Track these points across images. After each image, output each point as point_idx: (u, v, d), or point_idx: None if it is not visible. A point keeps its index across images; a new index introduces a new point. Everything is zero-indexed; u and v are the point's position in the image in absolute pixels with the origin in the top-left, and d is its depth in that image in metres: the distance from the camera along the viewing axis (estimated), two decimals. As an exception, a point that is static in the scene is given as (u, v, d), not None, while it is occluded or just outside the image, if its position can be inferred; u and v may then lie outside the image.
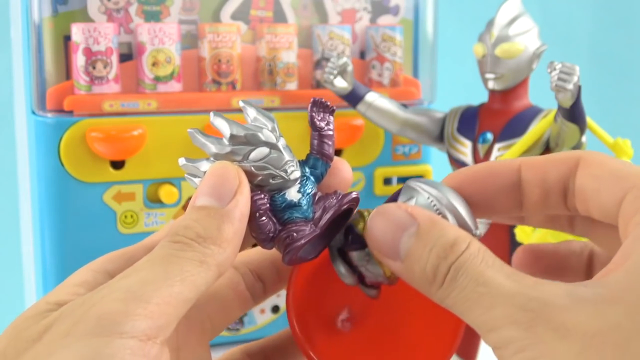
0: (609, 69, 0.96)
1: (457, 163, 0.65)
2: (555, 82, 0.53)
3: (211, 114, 0.29)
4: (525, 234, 0.60)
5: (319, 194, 0.30)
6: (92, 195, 0.59)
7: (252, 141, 0.29)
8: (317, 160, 0.30)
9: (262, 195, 0.29)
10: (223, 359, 0.33)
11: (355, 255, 0.30)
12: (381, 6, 0.69)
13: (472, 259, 0.26)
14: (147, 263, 0.26)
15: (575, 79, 0.53)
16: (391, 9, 0.70)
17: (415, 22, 0.71)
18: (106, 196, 0.59)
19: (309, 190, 0.30)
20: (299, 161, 0.30)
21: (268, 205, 0.29)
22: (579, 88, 0.54)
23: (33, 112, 0.60)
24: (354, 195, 0.30)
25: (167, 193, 0.61)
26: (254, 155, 0.29)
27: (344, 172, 0.31)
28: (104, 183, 0.59)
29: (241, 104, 0.30)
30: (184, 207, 0.62)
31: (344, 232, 0.30)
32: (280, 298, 0.66)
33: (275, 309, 0.67)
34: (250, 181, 0.29)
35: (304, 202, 0.29)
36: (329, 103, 0.30)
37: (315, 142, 0.30)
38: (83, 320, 0.24)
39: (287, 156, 0.29)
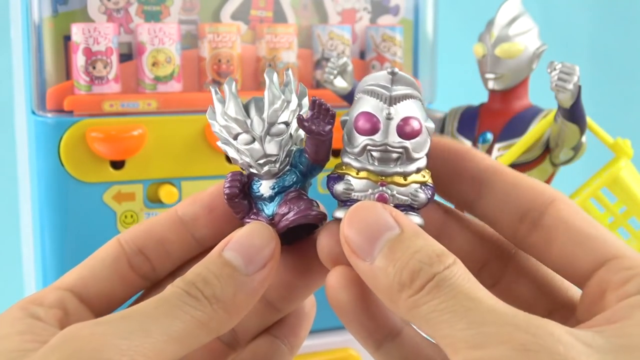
0: (609, 69, 0.96)
1: (457, 163, 0.65)
2: (555, 82, 0.53)
3: (229, 78, 0.29)
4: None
5: (302, 194, 0.29)
6: (92, 195, 0.59)
7: (239, 125, 0.29)
8: (306, 159, 0.29)
9: (239, 177, 0.29)
10: None
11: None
12: (381, 6, 0.69)
13: (461, 275, 0.24)
14: (155, 311, 0.25)
15: (575, 79, 0.53)
16: (391, 9, 0.70)
17: (415, 22, 0.71)
18: (106, 196, 0.59)
19: (283, 185, 0.29)
20: (298, 149, 0.29)
21: (237, 191, 0.29)
22: (579, 88, 0.54)
23: (33, 112, 0.60)
24: (320, 211, 0.28)
25: (167, 193, 0.61)
26: (239, 139, 0.29)
27: None
28: (104, 183, 0.59)
29: (288, 71, 0.29)
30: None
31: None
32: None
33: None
34: (235, 160, 0.29)
35: (272, 199, 0.29)
36: (329, 106, 0.28)
37: (308, 142, 0.29)
38: (76, 354, 0.23)
39: (269, 150, 0.28)
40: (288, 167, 0.29)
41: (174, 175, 0.61)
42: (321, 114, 0.28)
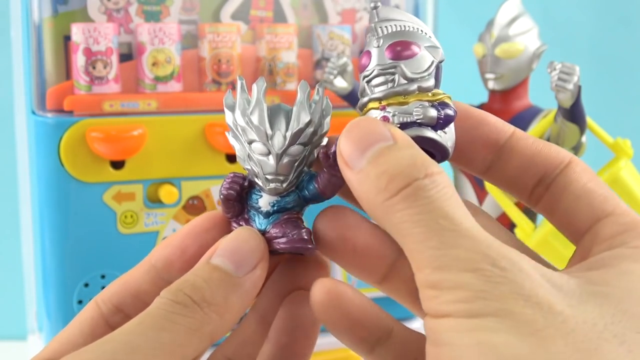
0: (609, 69, 0.96)
1: (457, 163, 0.65)
2: (555, 82, 0.53)
3: (260, 78, 0.28)
4: (525, 234, 0.60)
5: (300, 220, 0.28)
6: (92, 195, 0.59)
7: (258, 135, 0.28)
8: (315, 188, 0.28)
9: (240, 182, 0.28)
10: None
11: None
12: (381, 6, 0.69)
13: (443, 188, 0.23)
14: (139, 326, 0.24)
15: (575, 79, 0.53)
16: (391, 9, 0.70)
17: (415, 22, 0.71)
18: (106, 196, 0.59)
19: (284, 207, 0.28)
20: (308, 174, 0.29)
21: (234, 194, 0.28)
22: (579, 88, 0.54)
23: (33, 112, 0.60)
24: (313, 246, 0.28)
25: (167, 193, 0.61)
26: (254, 147, 0.28)
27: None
28: (104, 183, 0.59)
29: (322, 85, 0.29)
30: (184, 207, 0.62)
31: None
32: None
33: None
34: (240, 159, 0.28)
35: (268, 215, 0.28)
36: None
37: (323, 175, 0.28)
38: None
39: (282, 170, 0.28)
40: (293, 189, 0.28)
41: (174, 175, 0.61)
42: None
